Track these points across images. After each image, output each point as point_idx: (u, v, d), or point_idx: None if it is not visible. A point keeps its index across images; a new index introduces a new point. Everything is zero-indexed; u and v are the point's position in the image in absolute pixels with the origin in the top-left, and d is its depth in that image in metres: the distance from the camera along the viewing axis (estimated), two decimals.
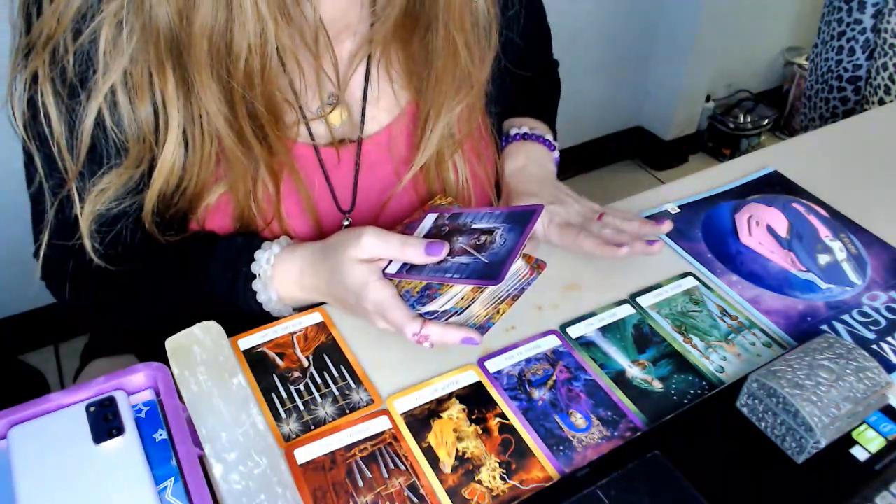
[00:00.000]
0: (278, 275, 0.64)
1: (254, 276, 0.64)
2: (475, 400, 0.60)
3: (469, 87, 0.68)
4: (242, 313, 0.66)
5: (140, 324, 0.73)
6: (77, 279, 0.68)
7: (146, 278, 0.68)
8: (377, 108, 0.71)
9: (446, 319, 0.57)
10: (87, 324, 0.79)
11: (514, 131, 0.83)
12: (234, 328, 0.64)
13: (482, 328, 0.58)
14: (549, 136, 0.84)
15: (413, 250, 0.56)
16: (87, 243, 0.63)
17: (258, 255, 0.64)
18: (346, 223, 0.72)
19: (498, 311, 0.59)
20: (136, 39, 0.56)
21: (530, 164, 0.79)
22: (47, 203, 0.64)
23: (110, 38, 0.56)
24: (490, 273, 0.54)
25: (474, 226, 0.60)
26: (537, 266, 0.62)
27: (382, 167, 0.72)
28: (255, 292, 0.65)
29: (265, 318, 0.67)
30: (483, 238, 0.58)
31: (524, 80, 0.84)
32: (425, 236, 0.61)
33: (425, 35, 0.65)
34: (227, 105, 0.59)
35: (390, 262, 0.59)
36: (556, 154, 0.84)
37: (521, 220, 0.58)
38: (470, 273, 0.55)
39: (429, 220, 0.63)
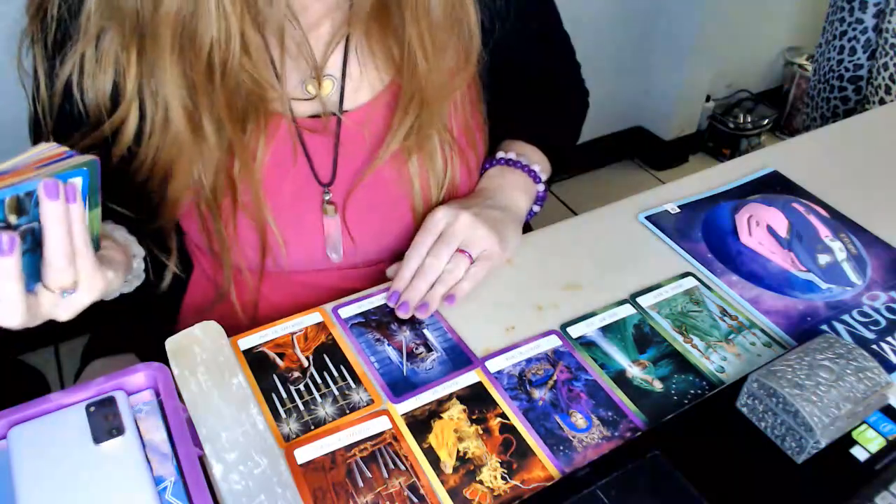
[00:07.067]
0: None
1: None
2: (476, 400, 0.60)
3: (448, 79, 0.69)
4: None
5: None
6: None
7: None
8: (360, 85, 0.72)
9: None
10: None
11: (498, 155, 0.79)
12: (234, 328, 0.64)
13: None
14: (536, 167, 0.79)
15: None
16: None
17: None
18: (327, 196, 0.73)
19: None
20: (105, 15, 0.59)
21: (496, 193, 0.76)
22: None
23: (93, 8, 0.59)
24: None
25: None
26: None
27: (362, 143, 0.73)
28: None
29: (260, 316, 0.67)
30: None
31: (537, 96, 0.83)
32: None
33: (400, 25, 0.66)
34: (188, 96, 0.61)
35: None
36: (541, 187, 0.79)
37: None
38: None
39: None
